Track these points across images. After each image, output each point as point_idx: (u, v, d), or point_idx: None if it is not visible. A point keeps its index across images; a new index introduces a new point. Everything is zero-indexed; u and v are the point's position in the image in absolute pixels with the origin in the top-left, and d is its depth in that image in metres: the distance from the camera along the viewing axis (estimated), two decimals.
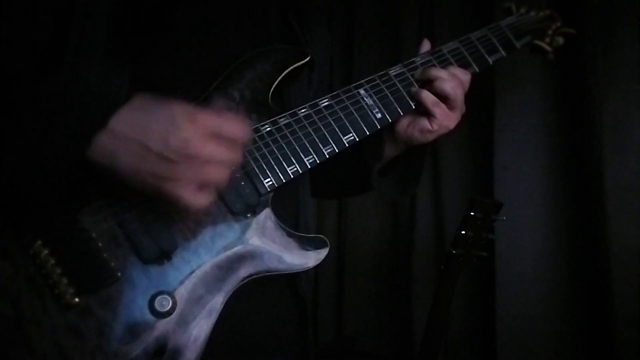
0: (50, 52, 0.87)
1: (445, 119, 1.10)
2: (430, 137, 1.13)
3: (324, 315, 2.56)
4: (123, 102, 0.78)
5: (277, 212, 0.92)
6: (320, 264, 0.95)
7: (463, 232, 1.43)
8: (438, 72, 1.10)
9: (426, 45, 1.18)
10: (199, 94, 0.93)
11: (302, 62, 1.01)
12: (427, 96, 1.09)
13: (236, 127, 0.80)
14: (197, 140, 0.75)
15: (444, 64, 1.14)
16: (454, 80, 1.10)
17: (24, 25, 0.85)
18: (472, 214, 1.42)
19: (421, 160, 1.22)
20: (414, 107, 1.08)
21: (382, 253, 2.53)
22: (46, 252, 0.79)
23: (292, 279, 1.04)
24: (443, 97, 1.09)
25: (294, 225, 0.99)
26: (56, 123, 0.75)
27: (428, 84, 1.11)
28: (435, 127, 1.11)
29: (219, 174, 0.78)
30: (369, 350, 2.46)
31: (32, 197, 0.79)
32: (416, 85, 1.11)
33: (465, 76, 1.13)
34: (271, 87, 0.97)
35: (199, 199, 0.78)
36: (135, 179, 0.77)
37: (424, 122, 1.11)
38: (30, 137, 0.75)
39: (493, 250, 2.05)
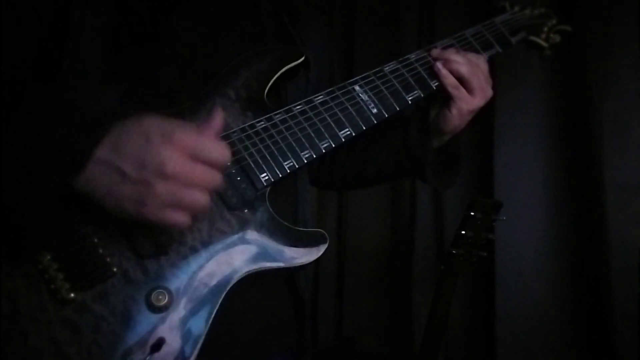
0: (46, 62, 0.86)
1: (464, 102, 1.13)
2: (455, 123, 1.16)
3: (324, 315, 2.56)
4: (108, 130, 0.74)
5: (275, 207, 0.92)
6: (320, 263, 0.95)
7: (463, 232, 1.43)
8: (453, 55, 1.13)
9: None
10: (195, 96, 0.92)
11: (297, 62, 1.01)
12: (447, 76, 1.11)
13: (215, 148, 0.76)
14: (175, 160, 0.71)
15: None
16: (468, 63, 1.12)
17: (20, 36, 0.85)
18: (472, 214, 1.42)
19: (455, 151, 1.25)
20: (410, 102, 1.08)
21: (382, 253, 2.53)
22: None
23: (291, 276, 1.03)
24: (459, 79, 1.12)
25: (293, 220, 0.99)
26: (40, 156, 0.72)
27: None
28: (454, 111, 1.14)
29: (199, 198, 0.74)
30: (369, 350, 2.45)
31: (14, 217, 0.76)
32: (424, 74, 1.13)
33: (478, 59, 1.15)
34: (267, 86, 0.98)
35: (181, 218, 0.75)
36: (114, 206, 0.74)
37: (444, 110, 1.15)
38: (14, 167, 0.72)
39: (493, 250, 2.05)
